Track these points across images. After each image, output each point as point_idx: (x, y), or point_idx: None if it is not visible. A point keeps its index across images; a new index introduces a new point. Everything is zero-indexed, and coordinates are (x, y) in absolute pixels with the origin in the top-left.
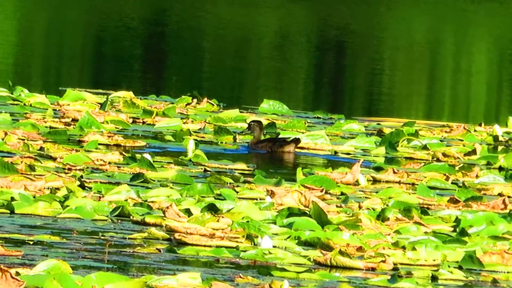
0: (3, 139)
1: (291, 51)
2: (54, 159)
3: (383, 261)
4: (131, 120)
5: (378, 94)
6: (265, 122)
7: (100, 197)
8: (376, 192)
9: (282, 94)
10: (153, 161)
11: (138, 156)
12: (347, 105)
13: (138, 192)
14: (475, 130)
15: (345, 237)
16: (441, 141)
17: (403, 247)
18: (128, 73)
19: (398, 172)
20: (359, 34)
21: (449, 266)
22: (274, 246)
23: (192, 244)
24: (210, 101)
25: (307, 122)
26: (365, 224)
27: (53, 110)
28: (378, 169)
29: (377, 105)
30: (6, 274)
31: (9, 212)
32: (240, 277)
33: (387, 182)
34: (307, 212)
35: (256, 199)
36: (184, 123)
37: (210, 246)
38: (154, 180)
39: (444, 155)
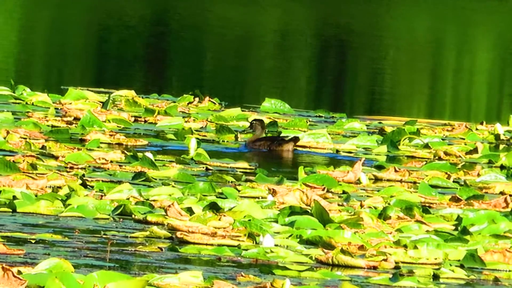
0: (5, 138)
1: (292, 49)
2: (56, 157)
3: (385, 260)
4: (133, 118)
5: (379, 93)
6: (266, 121)
7: (102, 196)
8: (378, 191)
9: (283, 93)
10: (155, 160)
11: (140, 154)
12: (349, 104)
13: (140, 191)
14: (476, 129)
15: (347, 236)
16: (442, 139)
17: (405, 246)
18: (130, 71)
19: (400, 170)
20: (361, 33)
21: (450, 265)
22: (275, 245)
23: (194, 243)
24: (212, 99)
25: (309, 121)
26: (367, 223)
27: (55, 108)
28: (380, 167)
29: (378, 103)
30: (8, 273)
31: (11, 210)
32: (242, 275)
33: (388, 180)
34: (309, 211)
35: (258, 198)
36: (186, 121)
37: (212, 245)
38: (156, 179)
39: (446, 153)
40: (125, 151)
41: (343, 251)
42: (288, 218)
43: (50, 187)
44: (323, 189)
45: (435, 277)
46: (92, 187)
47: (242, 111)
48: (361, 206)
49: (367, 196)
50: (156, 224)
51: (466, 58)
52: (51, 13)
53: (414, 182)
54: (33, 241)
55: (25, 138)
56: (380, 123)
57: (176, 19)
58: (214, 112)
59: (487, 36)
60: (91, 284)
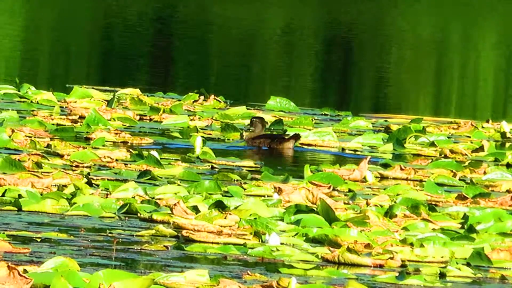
0: (10, 137)
1: (298, 48)
2: (61, 156)
3: (391, 258)
4: (138, 117)
5: (385, 91)
6: (272, 119)
7: (107, 194)
8: (384, 189)
9: (289, 91)
10: (160, 158)
11: (145, 153)
12: (354, 102)
13: (146, 189)
14: (482, 127)
15: (353, 234)
16: (448, 137)
17: (411, 244)
18: (135, 70)
19: (405, 169)
20: (366, 31)
21: (457, 263)
22: (281, 243)
23: (199, 241)
24: (217, 98)
25: (314, 119)
26: (373, 221)
27: (60, 107)
28: (386, 166)
29: (384, 101)
30: (13, 271)
31: (16, 209)
32: (248, 274)
33: (394, 179)
34: (315, 209)
35: (264, 196)
36: (191, 120)
37: (217, 243)
38: (161, 177)
39: (452, 151)
40: (131, 150)
41: (349, 250)
42: (294, 216)
43: (55, 185)
44: (329, 188)
45: (442, 275)
46: (98, 185)
47: (247, 109)
48: (367, 204)
49: (373, 194)
50: (162, 222)
51: (471, 55)
52: (55, 11)
53: (420, 180)
54: (38, 240)
55: (30, 137)
56: (386, 121)
57: (181, 17)
58: (219, 111)
59: (492, 34)
60: (97, 282)
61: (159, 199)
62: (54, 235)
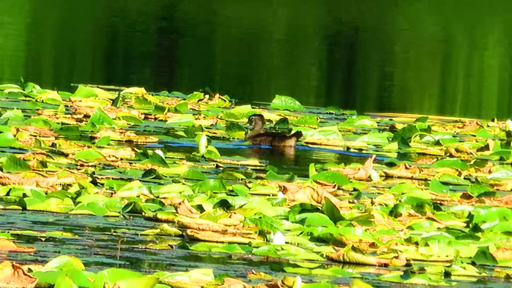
0: (15, 136)
1: (302, 46)
2: (66, 155)
3: (396, 257)
4: (143, 116)
5: (390, 90)
6: (277, 118)
7: (112, 193)
8: (389, 188)
9: (294, 90)
10: (165, 157)
11: (150, 152)
12: (359, 101)
13: (150, 188)
14: (487, 126)
15: (358, 233)
16: (453, 136)
17: (416, 243)
18: (140, 69)
19: (410, 167)
20: (371, 29)
21: (462, 262)
22: (286, 242)
23: (204, 240)
24: (222, 97)
25: (319, 118)
26: (378, 220)
27: (65, 106)
28: (391, 164)
29: (389, 100)
30: (18, 270)
31: (21, 208)
32: (253, 273)
33: (399, 177)
34: (320, 208)
35: (269, 195)
36: (196, 119)
37: (222, 242)
38: (166, 176)
39: (457, 150)
40: (135, 149)
41: (354, 249)
42: (298, 215)
43: (60, 184)
44: (334, 186)
45: (447, 274)
46: (102, 184)
47: (252, 108)
48: (372, 203)
49: (378, 193)
50: (167, 221)
51: (476, 54)
52: (60, 10)
53: (425, 179)
54: (43, 239)
55: (35, 136)
56: (390, 120)
57: (186, 16)
58: (224, 109)
59: (496, 32)
60: (102, 282)
61: (164, 198)
62: (59, 234)
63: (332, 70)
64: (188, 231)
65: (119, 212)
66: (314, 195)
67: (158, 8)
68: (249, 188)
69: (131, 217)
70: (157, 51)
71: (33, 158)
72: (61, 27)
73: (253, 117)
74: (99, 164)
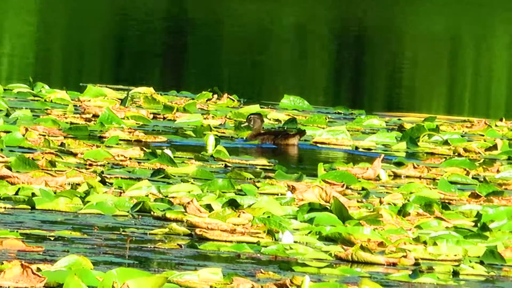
0: (24, 135)
1: (311, 46)
2: (75, 154)
3: (404, 256)
4: (151, 115)
5: (398, 89)
6: (285, 118)
7: (121, 193)
8: (397, 187)
9: (302, 90)
10: (174, 157)
11: (158, 151)
12: (368, 101)
13: (159, 188)
14: (496, 125)
15: (366, 232)
16: (462, 136)
17: (424, 242)
18: (148, 68)
19: (419, 167)
20: (379, 29)
21: (470, 261)
22: (295, 242)
23: (213, 240)
24: (230, 96)
25: (328, 118)
26: (386, 219)
27: (74, 106)
28: (399, 164)
29: (397, 100)
30: (27, 270)
31: (30, 208)
32: (261, 272)
33: (407, 177)
34: (328, 207)
35: (277, 195)
36: (204, 118)
37: (231, 242)
38: (174, 176)
39: (465, 150)
40: (144, 148)
41: (362, 248)
42: (307, 214)
43: (69, 184)
44: (342, 186)
45: (455, 273)
46: (111, 184)
47: (261, 108)
48: (381, 202)
49: (387, 192)
50: (175, 221)
51: (485, 54)
52: (69, 10)
53: (433, 179)
54: (52, 238)
55: (44, 135)
56: (399, 119)
57: (195, 15)
58: (233, 109)
59: (506, 32)
60: (110, 281)
61: (173, 197)
62: (68, 233)
63: (340, 70)
64: (197, 231)
65: (128, 212)
66: (322, 194)
67: (166, 8)
68: (258, 188)
69: (140, 217)
70: (166, 51)
71: (42, 157)
72: (70, 27)
73: (252, 116)
74: (108, 163)
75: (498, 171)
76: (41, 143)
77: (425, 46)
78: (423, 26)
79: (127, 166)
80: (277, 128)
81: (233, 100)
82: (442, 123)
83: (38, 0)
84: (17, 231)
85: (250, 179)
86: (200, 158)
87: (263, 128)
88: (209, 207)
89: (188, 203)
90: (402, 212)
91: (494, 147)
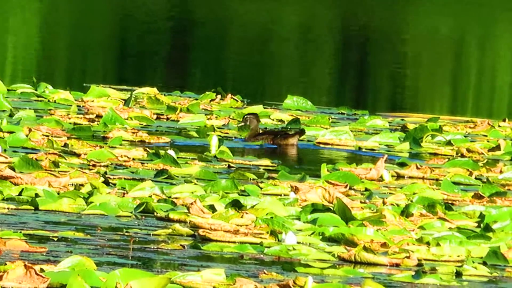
0: (27, 136)
1: (314, 46)
2: (78, 155)
3: (408, 257)
4: (155, 116)
5: (402, 90)
6: (289, 118)
7: (124, 194)
8: (400, 188)
9: (306, 90)
10: (177, 157)
11: (162, 152)
12: (371, 101)
13: (162, 188)
14: (499, 126)
15: (369, 233)
16: (465, 136)
17: (428, 243)
18: (152, 69)
19: (422, 167)
20: (383, 29)
21: (473, 262)
22: (298, 242)
23: (216, 240)
24: (234, 97)
25: (331, 118)
26: (389, 220)
27: (77, 106)
28: (402, 164)
29: (401, 100)
30: (30, 270)
31: (33, 208)
32: (264, 273)
33: (410, 177)
34: (331, 208)
35: (280, 195)
36: (208, 119)
37: (234, 242)
38: (178, 176)
39: (468, 150)
40: (147, 149)
41: (365, 249)
42: (310, 215)
43: (72, 184)
44: (346, 186)
45: (458, 274)
46: (114, 184)
47: (264, 108)
48: (384, 203)
49: (390, 193)
50: (179, 221)
51: (488, 54)
52: (73, 10)
53: (437, 179)
54: (55, 239)
55: (47, 136)
56: (402, 120)
57: (198, 16)
58: (236, 110)
59: (509, 32)
60: (114, 281)
61: (176, 198)
62: (71, 234)
63: (344, 70)
64: (200, 231)
65: (131, 212)
66: (325, 195)
67: (170, 8)
68: (261, 188)
69: (143, 217)
70: (169, 51)
71: (46, 158)
72: (73, 27)
73: (248, 116)
74: (111, 164)
75: (501, 172)
76: (44, 143)
77: (428, 46)
78: (425, 26)
79: (130, 166)
80: (280, 128)
81: (237, 101)
82: (445, 124)
83: (41, 1)
84: (20, 232)
85: (253, 179)
86: (203, 159)
87: (263, 128)
88: (212, 208)
89: (191, 203)
90: (405, 212)
91: (497, 147)
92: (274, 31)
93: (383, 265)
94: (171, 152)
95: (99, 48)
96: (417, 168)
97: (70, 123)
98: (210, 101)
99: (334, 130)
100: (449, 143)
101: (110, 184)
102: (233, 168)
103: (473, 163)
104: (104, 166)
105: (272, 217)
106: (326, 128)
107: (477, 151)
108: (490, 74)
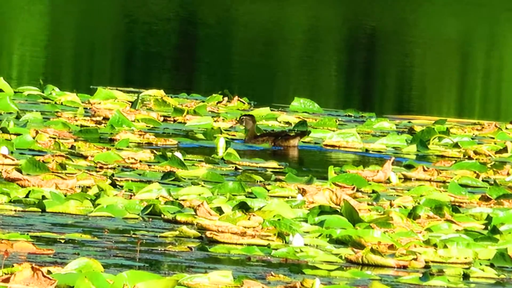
0: (34, 138)
1: (321, 48)
2: (85, 157)
3: (415, 259)
4: (162, 118)
5: (409, 92)
6: (296, 120)
7: (131, 196)
8: (408, 190)
9: (313, 92)
10: (184, 160)
11: (169, 154)
12: (378, 103)
13: (169, 191)
14: (506, 128)
15: (377, 235)
16: (472, 139)
17: (435, 245)
18: (159, 71)
19: (429, 170)
20: (389, 31)
21: (480, 264)
22: (305, 244)
23: (223, 242)
24: (241, 99)
25: (338, 120)
26: (397, 222)
27: (84, 108)
28: (409, 167)
29: (408, 103)
30: (37, 272)
31: (40, 210)
32: (272, 275)
33: (417, 180)
34: (339, 210)
35: (288, 197)
36: (215, 121)
37: (241, 244)
38: (185, 179)
39: (475, 152)
40: (154, 151)
41: (373, 251)
42: (317, 217)
43: (79, 187)
44: (353, 189)
45: (465, 276)
46: (122, 186)
47: (271, 110)
48: (391, 205)
49: (397, 195)
50: (186, 223)
51: (495, 56)
52: (79, 13)
53: (444, 181)
54: (62, 241)
55: (54, 138)
56: (409, 122)
57: (205, 18)
58: (243, 112)
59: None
60: (121, 284)
61: (183, 200)
62: (78, 236)
63: (351, 73)
64: (207, 233)
65: (138, 214)
66: (333, 197)
67: (177, 10)
68: (268, 190)
69: (150, 219)
70: (176, 53)
71: (53, 160)
72: (80, 29)
73: (244, 117)
74: (118, 166)
75: (508, 174)
76: (51, 145)
77: (435, 48)
78: (433, 28)
79: (137, 168)
80: (287, 130)
81: (244, 103)
82: (453, 126)
83: (48, 3)
84: (27, 234)
85: (261, 181)
86: (210, 161)
87: (265, 130)
88: (219, 210)
89: (199, 205)
90: (412, 215)
91: (505, 149)
92: (280, 33)
93: (391, 267)
94: (178, 154)
95: (106, 50)
96: (424, 170)
97: (77, 125)
98: (217, 103)
99: (341, 132)
100: (456, 145)
101: (117, 186)
102: (240, 170)
103: (480, 165)
104: (111, 168)
105: (279, 219)
106: (333, 130)
107: (484, 153)
108: (498, 76)
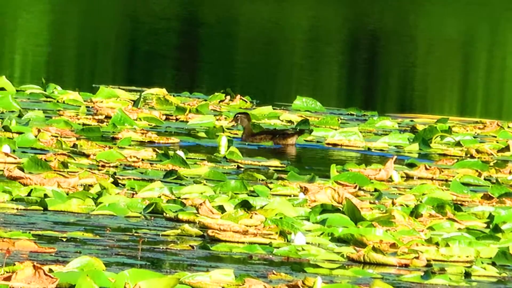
0: (36, 136)
1: (323, 47)
2: (87, 156)
3: (417, 258)
4: (164, 117)
5: (411, 91)
6: (298, 119)
7: (133, 194)
8: (410, 189)
9: (315, 91)
10: (186, 158)
11: (171, 153)
12: (380, 102)
13: (171, 189)
14: (508, 127)
15: (379, 234)
16: (474, 137)
17: (437, 244)
18: (161, 70)
19: (431, 168)
20: (392, 30)
21: (482, 263)
22: (307, 243)
23: (225, 241)
24: (243, 98)
25: (340, 119)
26: (399, 221)
27: (86, 107)
28: (411, 165)
29: (410, 101)
30: (39, 271)
31: (42, 209)
32: (273, 273)
33: (420, 178)
34: (341, 209)
35: (290, 196)
36: (217, 120)
37: (243, 243)
38: (187, 177)
39: (478, 151)
40: (156, 149)
41: (374, 249)
42: (319, 216)
43: (81, 185)
44: (355, 187)
45: (467, 275)
46: (124, 185)
47: (274, 109)
48: (393, 204)
49: (399, 194)
50: (188, 222)
51: (497, 55)
52: (82, 11)
53: (446, 180)
54: (64, 239)
55: (56, 137)
56: (411, 121)
57: (208, 16)
58: (245, 111)
59: None
60: (123, 282)
61: (185, 198)
62: (80, 234)
63: (353, 71)
64: (209, 232)
65: (140, 213)
66: (335, 195)
67: (179, 9)
68: (270, 189)
69: (152, 218)
70: (178, 52)
71: (55, 158)
72: (82, 28)
73: (238, 115)
74: (120, 164)
75: (510, 172)
76: (53, 144)
77: (437, 48)
78: (435, 27)
79: (139, 167)
80: (290, 129)
81: (246, 102)
82: (455, 125)
83: (50, 1)
84: (29, 232)
85: (263, 180)
86: (212, 159)
87: (265, 128)
88: (221, 208)
89: (201, 204)
90: (414, 213)
91: (507, 148)
92: (281, 33)
93: (392, 265)
94: (180, 152)
95: (108, 48)
96: (426, 169)
97: (79, 124)
98: (219, 102)
99: (344, 131)
100: (458, 144)
101: (119, 184)
102: (242, 169)
103: (482, 164)
104: (113, 166)
105: (281, 218)
106: (336, 129)
107: (486, 152)
108: (500, 75)
